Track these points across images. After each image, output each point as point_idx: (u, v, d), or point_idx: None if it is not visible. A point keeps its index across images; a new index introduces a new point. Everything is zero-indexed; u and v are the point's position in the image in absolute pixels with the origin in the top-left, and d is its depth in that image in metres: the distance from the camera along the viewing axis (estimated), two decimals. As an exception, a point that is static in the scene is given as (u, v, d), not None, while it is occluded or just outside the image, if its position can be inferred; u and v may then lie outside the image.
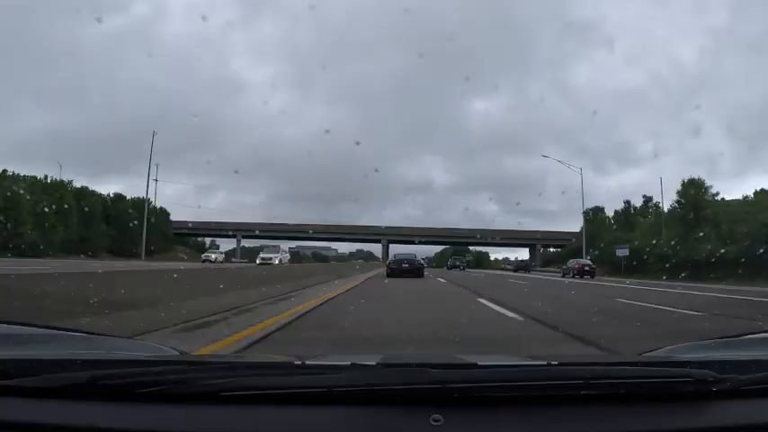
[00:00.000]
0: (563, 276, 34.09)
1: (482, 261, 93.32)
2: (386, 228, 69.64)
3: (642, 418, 1.08)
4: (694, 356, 1.53)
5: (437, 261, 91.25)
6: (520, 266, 61.87)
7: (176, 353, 1.72)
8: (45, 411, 1.05)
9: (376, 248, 76.63)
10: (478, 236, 69.80)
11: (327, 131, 61.35)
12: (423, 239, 68.65)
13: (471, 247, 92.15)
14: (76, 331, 1.78)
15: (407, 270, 21.77)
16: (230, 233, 70.87)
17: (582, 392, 1.11)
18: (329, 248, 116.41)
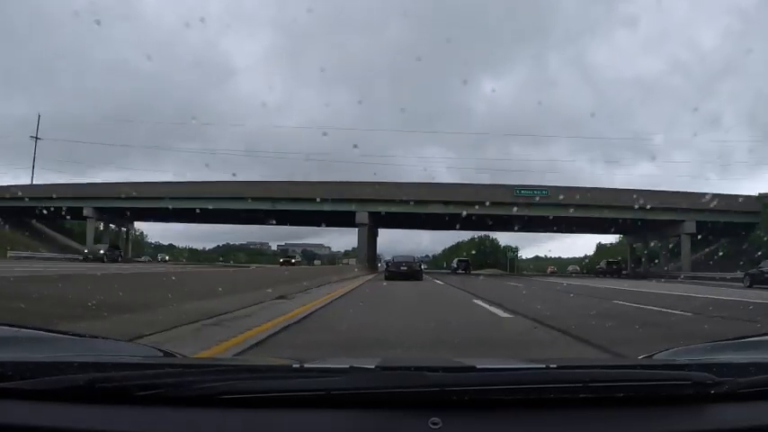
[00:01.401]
0: (748, 286, 20.11)
1: (489, 258, 72.55)
2: (370, 185, 37.19)
3: (641, 421, 1.09)
4: (693, 359, 1.53)
5: (446, 259, 71.44)
6: (612, 269, 41.87)
7: (174, 356, 1.72)
8: (42, 414, 1.04)
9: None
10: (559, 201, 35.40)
11: (325, 134, 58.91)
12: (439, 212, 37.99)
13: (494, 236, 69.50)
14: (74, 334, 1.77)
15: (405, 273, 22.03)
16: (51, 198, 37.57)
17: (581, 396, 1.11)
18: (322, 246, 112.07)
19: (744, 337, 1.89)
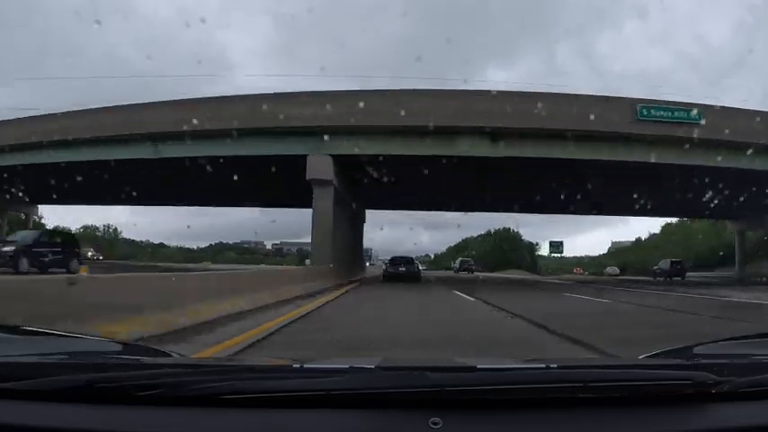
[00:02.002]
0: None
1: (511, 256, 58.93)
2: (334, 98, 16.55)
3: (641, 421, 1.08)
4: (693, 359, 1.53)
5: (452, 258, 61.51)
6: (677, 270, 32.16)
7: (174, 356, 1.72)
8: (42, 415, 1.04)
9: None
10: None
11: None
12: (479, 157, 17.51)
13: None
14: (72, 335, 1.77)
15: (404, 273, 21.92)
16: None
17: (580, 395, 1.11)
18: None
19: (744, 337, 1.88)
